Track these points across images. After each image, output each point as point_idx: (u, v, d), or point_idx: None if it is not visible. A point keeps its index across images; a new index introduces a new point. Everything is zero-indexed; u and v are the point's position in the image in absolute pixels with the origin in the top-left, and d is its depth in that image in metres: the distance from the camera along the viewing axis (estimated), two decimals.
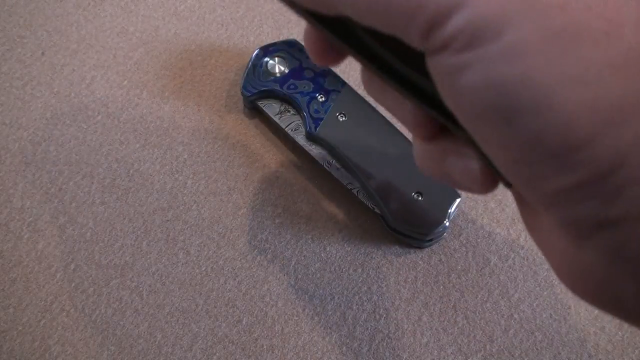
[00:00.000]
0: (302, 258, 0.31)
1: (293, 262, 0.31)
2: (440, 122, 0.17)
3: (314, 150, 0.32)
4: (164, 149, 0.33)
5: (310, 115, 0.31)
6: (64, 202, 0.32)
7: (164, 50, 0.36)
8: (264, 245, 0.32)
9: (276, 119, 0.32)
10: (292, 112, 0.32)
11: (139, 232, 0.31)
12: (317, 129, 0.31)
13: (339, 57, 0.18)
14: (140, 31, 0.36)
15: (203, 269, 0.31)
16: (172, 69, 0.36)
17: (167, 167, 0.33)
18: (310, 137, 0.31)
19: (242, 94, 0.32)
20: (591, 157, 0.12)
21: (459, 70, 0.13)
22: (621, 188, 0.12)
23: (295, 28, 0.37)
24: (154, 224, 0.32)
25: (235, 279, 0.31)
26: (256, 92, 0.32)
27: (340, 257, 0.31)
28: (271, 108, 0.32)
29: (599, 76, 0.11)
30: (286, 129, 0.32)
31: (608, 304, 0.14)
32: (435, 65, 0.13)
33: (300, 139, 0.32)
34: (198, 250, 0.31)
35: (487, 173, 0.17)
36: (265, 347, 0.29)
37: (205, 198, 0.32)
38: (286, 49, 0.33)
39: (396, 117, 0.19)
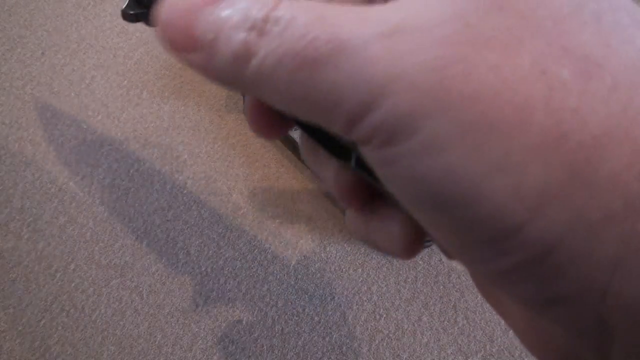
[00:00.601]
0: (302, 258, 0.31)
1: (293, 262, 0.31)
2: (371, 191, 0.17)
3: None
4: (164, 149, 0.33)
5: None
6: (64, 202, 0.32)
7: (164, 50, 0.36)
8: (264, 245, 0.32)
9: None
10: None
11: (139, 232, 0.31)
12: None
13: (281, 131, 0.18)
14: (140, 31, 0.36)
15: (203, 269, 0.31)
16: (172, 69, 0.36)
17: (167, 167, 0.33)
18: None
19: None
20: (524, 242, 0.12)
21: (385, 163, 0.13)
22: (561, 268, 0.12)
23: None
24: (154, 224, 0.32)
25: (235, 279, 0.31)
26: None
27: (340, 257, 0.31)
28: None
29: (518, 163, 0.12)
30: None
31: None
32: (365, 155, 0.14)
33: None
34: (198, 250, 0.31)
35: (408, 240, 0.17)
36: (265, 347, 0.29)
37: (205, 198, 0.32)
38: None
39: (329, 187, 0.18)
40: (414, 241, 0.17)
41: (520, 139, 0.12)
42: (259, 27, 0.14)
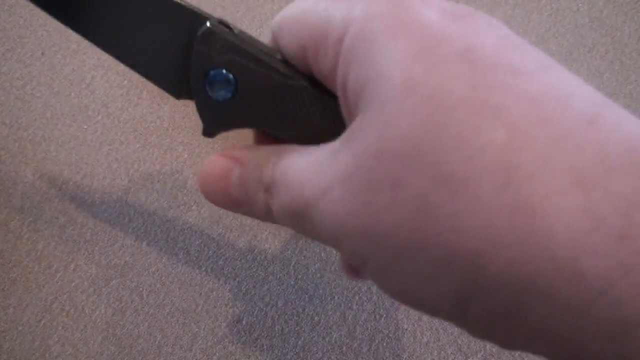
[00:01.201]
0: (302, 258, 0.31)
1: (293, 262, 0.31)
2: None
3: None
4: (164, 149, 0.33)
5: None
6: (64, 202, 0.32)
7: None
8: (264, 245, 0.32)
9: None
10: None
11: (139, 232, 0.31)
12: None
13: None
14: None
15: (203, 269, 0.31)
16: None
17: (167, 167, 0.33)
18: None
19: None
20: (464, 325, 0.16)
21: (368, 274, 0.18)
22: (511, 331, 0.15)
23: None
24: (154, 224, 0.32)
25: (235, 279, 0.31)
26: None
27: (340, 257, 0.31)
28: None
29: (432, 276, 0.15)
30: None
31: None
32: None
33: None
34: (198, 250, 0.31)
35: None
36: (265, 347, 0.29)
37: (205, 198, 0.32)
38: None
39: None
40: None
41: (426, 260, 0.14)
42: (269, 190, 0.18)
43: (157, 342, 0.29)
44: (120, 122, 0.34)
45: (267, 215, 0.19)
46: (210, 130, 0.21)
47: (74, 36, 0.36)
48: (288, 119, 0.20)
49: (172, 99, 0.35)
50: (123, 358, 0.29)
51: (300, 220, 0.17)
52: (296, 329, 0.30)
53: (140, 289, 0.30)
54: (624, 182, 0.13)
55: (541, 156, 0.13)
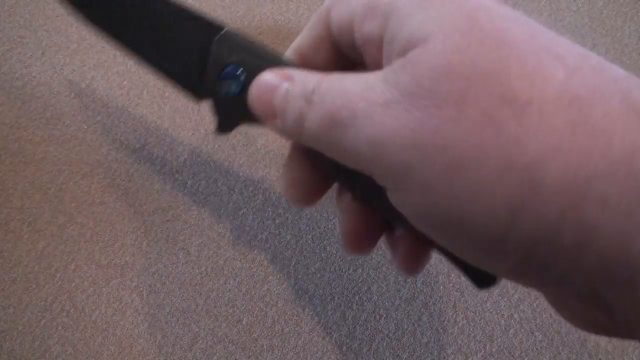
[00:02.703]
0: (302, 258, 0.31)
1: (293, 262, 0.31)
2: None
3: None
4: (164, 149, 0.33)
5: None
6: (64, 202, 0.32)
7: None
8: (264, 245, 0.32)
9: None
10: None
11: (138, 232, 0.31)
12: None
13: (319, 196, 0.24)
14: None
15: (203, 269, 0.31)
16: None
17: (167, 167, 0.33)
18: None
19: None
20: (510, 249, 0.16)
21: (399, 203, 0.18)
22: (544, 260, 0.16)
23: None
24: (154, 224, 0.32)
25: (235, 279, 0.31)
26: None
27: (340, 257, 0.31)
28: None
29: (486, 189, 0.15)
30: None
31: (589, 328, 0.18)
32: (389, 197, 0.18)
33: None
34: (198, 250, 0.31)
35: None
36: (265, 347, 0.29)
37: (205, 198, 0.32)
38: None
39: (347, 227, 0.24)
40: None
41: (483, 170, 0.15)
42: (309, 99, 0.19)
43: (157, 342, 0.29)
44: (120, 122, 0.34)
45: (295, 126, 0.19)
46: (224, 125, 0.23)
47: (74, 36, 0.36)
48: None
49: (172, 99, 0.35)
50: (123, 358, 0.29)
51: (336, 130, 0.18)
52: (296, 329, 0.30)
53: (140, 289, 0.30)
54: None
55: (598, 90, 0.15)
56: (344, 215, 0.23)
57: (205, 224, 0.32)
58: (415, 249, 0.23)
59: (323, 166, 0.23)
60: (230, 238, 0.32)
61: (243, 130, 0.34)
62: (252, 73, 0.22)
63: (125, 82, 0.35)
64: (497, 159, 0.15)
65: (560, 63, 0.16)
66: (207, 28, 0.24)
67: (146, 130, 0.34)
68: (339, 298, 0.30)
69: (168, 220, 0.32)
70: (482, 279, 0.23)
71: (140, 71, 0.35)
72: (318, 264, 0.31)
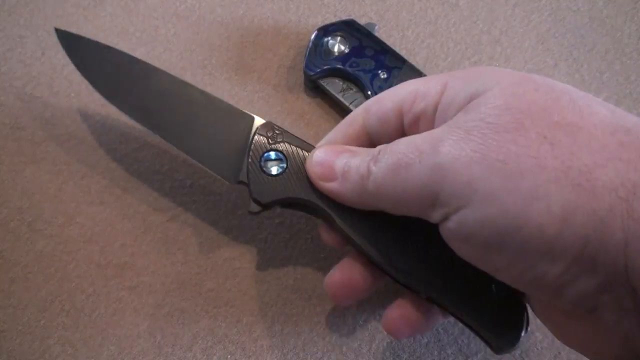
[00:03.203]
0: (301, 258, 0.31)
1: (293, 262, 0.31)
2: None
3: None
4: (163, 149, 0.33)
5: (375, 92, 0.32)
6: (64, 202, 0.32)
7: (164, 50, 0.36)
8: (264, 245, 0.31)
9: (339, 96, 0.33)
10: (354, 89, 0.34)
11: (138, 232, 0.31)
12: None
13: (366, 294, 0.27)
14: (140, 31, 0.36)
15: (203, 268, 0.31)
16: (172, 70, 0.35)
17: (167, 166, 0.33)
18: None
19: (305, 73, 0.34)
20: (563, 247, 0.18)
21: (460, 224, 0.20)
22: (594, 259, 0.17)
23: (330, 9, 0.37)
24: (154, 223, 0.32)
25: (235, 279, 0.31)
26: (320, 71, 0.33)
27: (339, 257, 0.31)
28: (334, 86, 0.34)
29: (545, 192, 0.18)
30: (350, 106, 0.33)
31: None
32: (444, 230, 0.21)
33: None
34: (198, 250, 0.31)
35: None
36: (265, 347, 0.29)
37: (205, 198, 0.32)
38: (345, 28, 0.34)
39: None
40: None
41: (541, 176, 0.18)
42: (375, 157, 0.22)
43: (157, 342, 0.29)
44: (119, 123, 0.34)
45: (359, 184, 0.23)
46: (260, 204, 0.26)
47: None
48: None
49: None
50: (123, 358, 0.29)
51: (402, 171, 0.21)
52: (296, 329, 0.30)
53: (140, 289, 0.30)
54: None
55: (638, 124, 0.18)
56: (342, 269, 0.26)
57: (205, 224, 0.32)
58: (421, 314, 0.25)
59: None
60: (230, 238, 0.32)
61: None
62: (292, 157, 0.26)
63: None
64: (554, 167, 0.18)
65: (603, 107, 0.19)
66: (243, 119, 0.28)
67: (146, 130, 0.34)
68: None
69: (168, 220, 0.32)
70: (501, 343, 0.24)
71: None
72: (317, 263, 0.31)
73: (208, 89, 0.35)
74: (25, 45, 0.36)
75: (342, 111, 0.34)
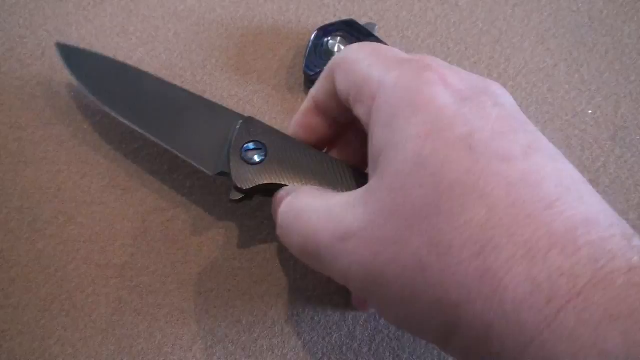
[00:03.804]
0: None
1: (292, 262, 0.31)
2: None
3: None
4: (163, 149, 0.33)
5: None
6: (64, 202, 0.32)
7: (164, 50, 0.36)
8: (263, 245, 0.31)
9: None
10: None
11: (138, 232, 0.31)
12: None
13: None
14: (140, 31, 0.36)
15: (202, 268, 0.31)
16: (171, 69, 0.36)
17: (166, 166, 0.33)
18: None
19: (305, 73, 0.33)
20: (460, 339, 0.19)
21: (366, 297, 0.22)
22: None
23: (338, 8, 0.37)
24: (154, 223, 0.32)
25: (235, 279, 0.31)
26: (320, 71, 0.33)
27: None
28: None
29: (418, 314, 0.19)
30: None
31: None
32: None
33: None
34: (197, 250, 0.31)
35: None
36: (265, 347, 0.29)
37: (204, 198, 0.32)
38: (345, 28, 0.34)
39: None
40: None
41: (417, 306, 0.19)
42: (281, 228, 0.24)
43: (157, 342, 0.29)
44: (119, 123, 0.34)
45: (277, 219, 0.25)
46: (242, 191, 0.27)
47: (74, 36, 0.36)
48: (308, 175, 0.26)
49: None
50: (123, 358, 0.29)
51: (311, 260, 0.22)
52: (296, 329, 0.30)
53: (140, 289, 0.30)
54: (559, 256, 0.16)
55: (506, 233, 0.17)
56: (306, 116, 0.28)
57: (205, 224, 0.32)
58: None
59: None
60: (229, 238, 0.32)
61: None
62: (272, 146, 0.27)
63: None
64: (427, 300, 0.18)
65: (483, 202, 0.18)
66: (228, 116, 0.30)
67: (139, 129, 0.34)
68: (338, 298, 0.30)
69: (168, 220, 0.32)
70: None
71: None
72: None
73: (208, 89, 0.35)
74: (25, 45, 0.36)
75: None
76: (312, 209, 0.22)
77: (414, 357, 0.30)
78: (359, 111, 0.23)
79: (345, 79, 0.24)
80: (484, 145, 0.18)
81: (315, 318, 0.30)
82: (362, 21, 0.35)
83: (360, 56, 0.23)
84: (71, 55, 0.33)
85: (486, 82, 0.21)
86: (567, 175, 0.19)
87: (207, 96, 0.35)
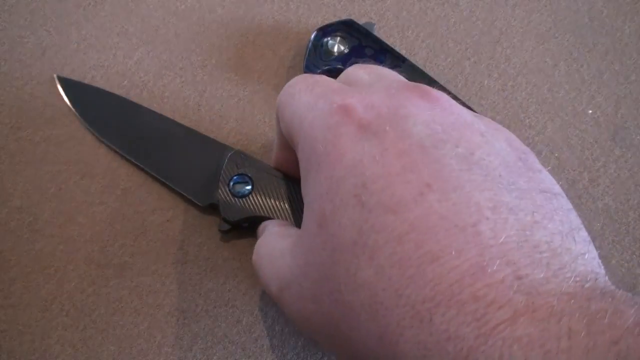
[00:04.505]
0: None
1: None
2: None
3: None
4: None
5: None
6: (64, 202, 0.32)
7: (164, 50, 0.36)
8: None
9: None
10: None
11: (138, 232, 0.31)
12: None
13: None
14: (140, 31, 0.36)
15: (202, 268, 0.31)
16: (172, 69, 0.36)
17: None
18: None
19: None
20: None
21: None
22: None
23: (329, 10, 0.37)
24: (154, 223, 0.32)
25: (235, 279, 0.31)
26: (320, 72, 0.33)
27: None
28: None
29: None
30: None
31: None
32: None
33: None
34: (197, 250, 0.31)
35: None
36: (265, 347, 0.29)
37: None
38: (344, 28, 0.34)
39: None
40: None
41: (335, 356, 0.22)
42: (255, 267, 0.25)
43: (157, 342, 0.29)
44: None
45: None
46: (230, 222, 0.29)
47: (74, 36, 0.36)
48: (288, 208, 0.28)
49: (170, 100, 0.35)
50: (123, 358, 0.29)
51: (276, 299, 0.23)
52: (296, 329, 0.30)
53: (140, 289, 0.30)
54: (443, 317, 0.15)
55: (395, 295, 0.16)
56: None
57: (205, 224, 0.32)
58: None
59: None
60: (230, 238, 0.31)
61: (242, 131, 0.34)
62: (257, 179, 0.29)
63: (125, 82, 0.35)
64: (347, 352, 0.19)
65: (372, 262, 0.17)
66: (217, 148, 0.31)
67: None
68: None
69: (168, 221, 0.32)
70: None
71: (140, 71, 0.35)
72: None
73: (208, 89, 0.35)
74: (25, 45, 0.36)
75: None
76: (268, 254, 0.24)
77: None
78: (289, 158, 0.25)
79: (282, 119, 0.24)
80: (375, 198, 0.17)
81: None
82: (362, 21, 0.35)
83: (295, 91, 0.23)
84: (71, 88, 0.34)
85: (400, 101, 0.20)
86: (464, 210, 0.17)
87: (207, 96, 0.35)
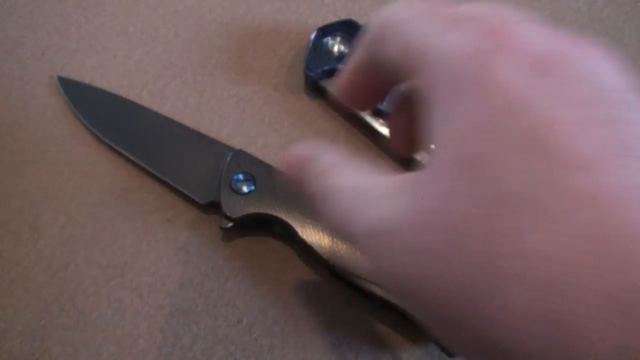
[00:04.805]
0: (302, 258, 0.31)
1: (293, 262, 0.31)
2: None
3: (383, 125, 0.33)
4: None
5: None
6: (64, 202, 0.32)
7: (164, 50, 0.36)
8: (264, 245, 0.31)
9: None
10: None
11: (139, 232, 0.31)
12: (384, 102, 0.31)
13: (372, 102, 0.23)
14: (140, 31, 0.36)
15: (203, 269, 0.31)
16: (172, 69, 0.36)
17: None
18: (378, 112, 0.33)
19: (306, 74, 0.34)
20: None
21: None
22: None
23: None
24: (154, 223, 0.32)
25: (235, 279, 0.31)
26: (321, 72, 0.33)
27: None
28: None
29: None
30: None
31: None
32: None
33: (368, 115, 0.33)
34: (198, 250, 0.31)
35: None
36: (265, 347, 0.29)
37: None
38: (344, 28, 0.35)
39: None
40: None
41: (457, 333, 0.15)
42: (314, 200, 0.19)
43: (157, 342, 0.29)
44: None
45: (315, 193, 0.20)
46: (232, 216, 0.29)
47: (74, 36, 0.36)
48: (293, 205, 0.29)
49: (171, 99, 0.35)
50: (123, 358, 0.29)
51: (343, 239, 0.20)
52: (296, 329, 0.30)
53: (140, 289, 0.30)
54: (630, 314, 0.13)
55: (575, 274, 0.13)
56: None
57: (205, 224, 0.32)
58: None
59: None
60: (230, 238, 0.32)
61: (242, 131, 0.34)
62: (260, 178, 0.30)
63: (125, 82, 0.35)
64: (473, 335, 0.15)
65: (546, 228, 0.14)
66: (219, 148, 0.32)
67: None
68: (338, 298, 0.30)
69: (168, 220, 0.32)
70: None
71: (140, 71, 0.35)
72: (317, 264, 0.31)
73: (208, 89, 0.35)
74: (25, 45, 0.36)
75: (343, 112, 0.34)
76: (353, 188, 0.18)
77: (414, 357, 0.30)
78: (412, 84, 0.18)
79: (395, 49, 0.19)
80: (556, 146, 0.14)
81: (315, 318, 0.30)
82: (362, 21, 0.35)
83: (411, 16, 0.19)
84: (71, 88, 0.34)
85: (572, 42, 0.16)
86: None
87: (207, 96, 0.35)
